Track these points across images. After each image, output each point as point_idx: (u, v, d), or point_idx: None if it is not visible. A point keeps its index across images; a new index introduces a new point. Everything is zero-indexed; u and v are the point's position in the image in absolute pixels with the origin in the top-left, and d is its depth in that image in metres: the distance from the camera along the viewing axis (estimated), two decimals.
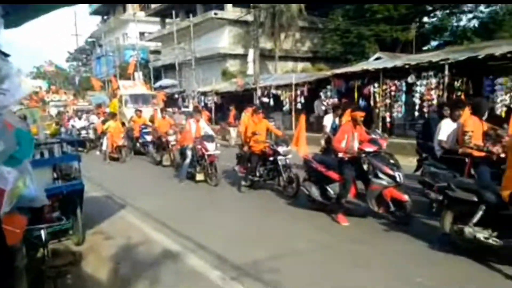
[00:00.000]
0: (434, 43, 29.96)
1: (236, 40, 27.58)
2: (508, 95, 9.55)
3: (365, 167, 5.64)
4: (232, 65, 27.22)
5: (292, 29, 27.04)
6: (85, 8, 50.66)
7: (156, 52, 35.84)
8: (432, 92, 11.24)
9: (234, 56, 27.21)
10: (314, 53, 29.84)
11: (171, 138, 10.76)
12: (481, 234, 3.84)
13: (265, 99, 17.34)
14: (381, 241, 4.92)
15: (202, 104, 21.58)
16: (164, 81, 27.76)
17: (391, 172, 4.97)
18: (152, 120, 14.27)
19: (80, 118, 18.34)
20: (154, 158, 12.15)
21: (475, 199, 3.90)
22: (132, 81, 22.35)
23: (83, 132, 16.53)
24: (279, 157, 7.24)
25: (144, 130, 13.42)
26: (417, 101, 11.63)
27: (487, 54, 10.25)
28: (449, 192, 4.15)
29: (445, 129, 5.26)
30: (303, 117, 7.60)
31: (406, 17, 25.83)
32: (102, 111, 19.77)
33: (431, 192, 5.03)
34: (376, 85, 12.74)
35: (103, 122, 15.72)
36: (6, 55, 1.92)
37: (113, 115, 14.21)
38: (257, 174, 7.73)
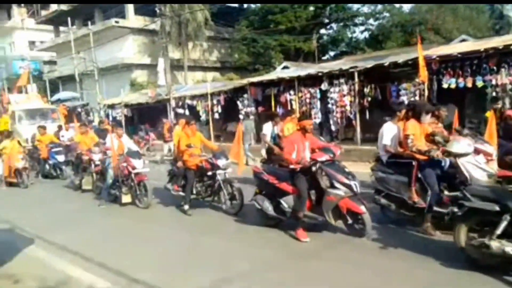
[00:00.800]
0: (332, 53, 32.25)
1: (141, 50, 26.46)
2: (412, 99, 10.48)
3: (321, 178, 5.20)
4: (140, 76, 26.01)
5: (199, 39, 26.87)
6: None
7: (51, 62, 32.69)
8: (345, 98, 11.88)
9: (141, 66, 26.05)
10: (223, 63, 30.07)
11: (96, 157, 9.09)
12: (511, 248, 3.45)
13: (180, 110, 16.72)
14: (348, 256, 4.54)
15: (111, 117, 20.04)
16: (63, 94, 25.31)
17: (347, 181, 4.76)
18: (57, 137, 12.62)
19: None
20: (72, 181, 10.22)
21: (497, 208, 3.49)
22: (26, 94, 19.77)
23: None
24: (218, 171, 6.63)
25: (54, 150, 11.65)
26: (333, 107, 12.18)
27: (391, 62, 11.16)
28: (465, 202, 3.73)
29: (388, 133, 5.26)
30: (240, 127, 7.12)
31: (306, 28, 27.40)
32: None
33: (381, 198, 4.95)
34: (292, 92, 13.08)
35: None
36: None
37: (8, 134, 12.12)
38: (194, 191, 7.02)
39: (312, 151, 5.14)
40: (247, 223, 6.06)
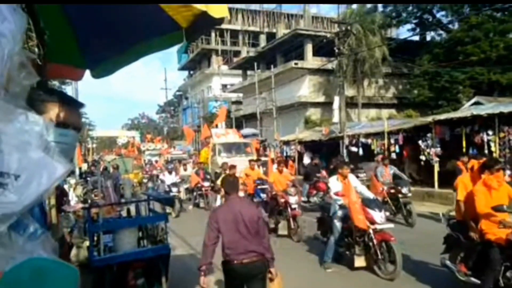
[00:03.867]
0: None
1: (316, 89, 27.26)
2: None
3: None
4: (314, 113, 26.72)
5: (375, 76, 26.15)
6: (174, 64, 55.08)
7: (237, 102, 36.91)
8: None
9: (315, 105, 26.75)
10: (399, 100, 28.39)
11: (293, 200, 8.17)
12: None
13: (354, 148, 16.15)
14: None
15: (284, 153, 20.91)
16: (246, 130, 27.92)
17: None
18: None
19: (170, 172, 14.82)
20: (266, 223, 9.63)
21: None
22: (225, 129, 21.57)
23: (174, 190, 13.15)
24: None
25: (260, 187, 10.67)
26: None
27: None
28: None
29: None
30: None
31: (504, 58, 23.52)
32: (197, 161, 18.44)
33: None
34: (490, 132, 11.02)
35: (197, 174, 14.11)
36: (80, 104, 1.27)
37: (231, 168, 10.63)
38: (501, 282, 4.30)
39: None
40: None
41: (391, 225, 6.03)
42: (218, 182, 10.64)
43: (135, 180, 20.22)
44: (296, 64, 26.69)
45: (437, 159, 12.59)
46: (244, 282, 3.73)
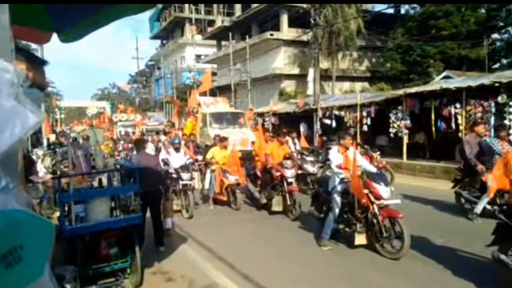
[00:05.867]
0: (505, 61, 27.60)
1: (291, 61, 27.15)
2: None
3: None
4: (288, 86, 26.70)
5: (350, 49, 26.22)
6: (146, 32, 53.19)
7: (212, 74, 36.36)
8: None
9: (290, 77, 26.70)
10: (373, 73, 28.73)
11: (289, 173, 7.48)
12: None
13: (327, 121, 16.33)
14: None
15: (259, 125, 20.88)
16: None
17: None
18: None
19: (178, 150, 8.86)
20: (257, 198, 8.37)
21: None
22: (213, 98, 20.16)
23: (185, 177, 8.17)
24: None
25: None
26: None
27: None
28: None
29: None
30: None
31: (474, 33, 24.08)
32: (174, 132, 17.52)
33: None
34: (457, 105, 11.38)
35: (187, 147, 10.59)
36: (44, 62, 1.20)
37: (221, 140, 9.23)
38: None
39: None
40: None
41: (398, 201, 5.43)
42: (208, 156, 9.17)
43: (106, 151, 19.76)
44: (271, 35, 26.35)
45: (406, 131, 12.95)
46: (151, 204, 5.73)
